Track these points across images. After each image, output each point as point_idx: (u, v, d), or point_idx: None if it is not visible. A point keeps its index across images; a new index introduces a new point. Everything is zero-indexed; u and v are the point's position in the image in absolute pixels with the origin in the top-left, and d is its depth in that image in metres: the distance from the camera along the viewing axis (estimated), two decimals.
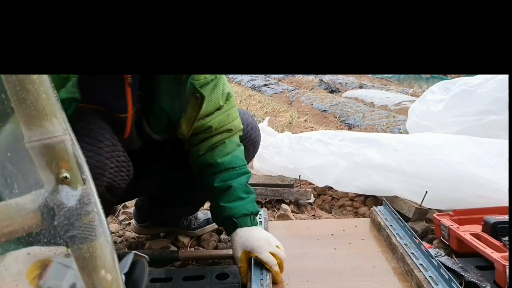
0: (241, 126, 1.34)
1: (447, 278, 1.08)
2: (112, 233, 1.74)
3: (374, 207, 1.65)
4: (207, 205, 2.05)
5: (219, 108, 1.24)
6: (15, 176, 0.41)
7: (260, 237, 1.20)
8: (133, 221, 1.70)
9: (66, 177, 0.41)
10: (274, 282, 1.17)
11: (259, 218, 1.59)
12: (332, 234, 1.54)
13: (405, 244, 1.32)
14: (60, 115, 0.40)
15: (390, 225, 1.48)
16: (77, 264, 0.43)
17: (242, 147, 1.34)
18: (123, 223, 1.86)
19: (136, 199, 1.70)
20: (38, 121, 0.38)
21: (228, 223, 1.24)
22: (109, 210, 1.11)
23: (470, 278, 1.24)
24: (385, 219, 1.53)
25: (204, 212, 1.75)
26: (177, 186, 1.48)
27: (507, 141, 1.68)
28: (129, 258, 0.85)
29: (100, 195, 0.98)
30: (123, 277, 0.77)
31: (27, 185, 0.41)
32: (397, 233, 1.41)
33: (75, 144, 0.41)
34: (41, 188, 0.41)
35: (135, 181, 1.43)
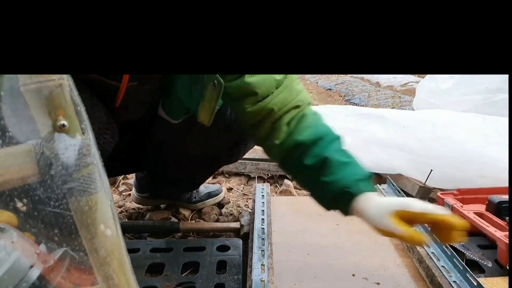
0: (310, 99, 1.11)
1: (449, 254, 1.08)
2: None
3: (378, 185, 1.64)
4: (209, 179, 2.05)
5: (278, 86, 1.03)
6: (10, 122, 0.39)
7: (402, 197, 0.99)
8: (133, 191, 1.69)
9: (63, 125, 0.38)
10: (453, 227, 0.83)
11: (262, 192, 1.58)
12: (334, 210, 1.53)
13: None
14: None
15: None
16: (75, 218, 0.41)
17: (319, 115, 1.11)
18: (123, 194, 1.86)
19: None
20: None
21: (341, 200, 0.98)
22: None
23: (471, 256, 1.24)
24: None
25: (205, 186, 1.73)
26: (174, 165, 1.46)
27: None
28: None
29: None
30: None
31: (23, 133, 0.39)
32: None
33: (73, 90, 0.39)
34: (37, 137, 0.39)
35: (135, 155, 1.42)
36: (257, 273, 1.05)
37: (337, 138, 1.05)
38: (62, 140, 0.38)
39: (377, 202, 0.92)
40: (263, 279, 1.03)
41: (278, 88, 1.02)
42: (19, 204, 0.41)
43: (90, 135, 0.40)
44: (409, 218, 0.86)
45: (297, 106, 1.05)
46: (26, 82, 0.36)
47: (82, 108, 0.40)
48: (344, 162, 0.98)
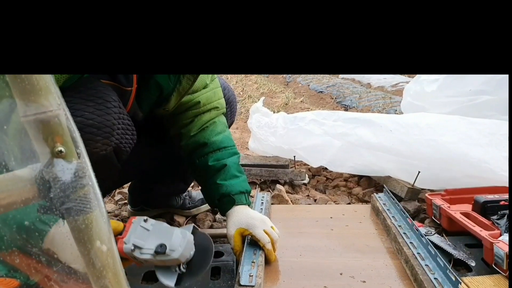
0: (225, 106, 1.39)
1: (433, 253, 1.12)
2: (108, 212, 1.76)
3: (375, 193, 1.68)
4: None
5: (205, 87, 1.32)
6: (12, 149, 0.42)
7: (255, 216, 1.22)
8: (128, 206, 1.72)
9: (61, 151, 0.42)
10: (268, 261, 1.19)
11: (261, 200, 1.61)
12: (331, 217, 1.57)
13: (399, 226, 1.36)
14: (54, 90, 0.41)
15: (388, 209, 1.51)
16: (73, 235, 0.44)
17: (229, 130, 1.40)
18: (119, 203, 1.88)
19: (129, 183, 1.71)
20: (33, 95, 0.39)
21: (225, 200, 1.27)
22: (115, 175, 1.11)
23: (457, 256, 1.28)
24: (384, 204, 1.56)
25: (198, 192, 1.76)
26: (163, 161, 1.50)
27: (498, 121, 1.69)
28: (190, 228, 1.00)
29: (108, 159, 1.01)
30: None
31: (24, 158, 0.42)
32: (393, 216, 1.44)
33: (69, 118, 0.42)
34: (37, 162, 0.42)
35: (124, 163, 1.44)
36: (246, 268, 1.09)
37: (237, 153, 1.36)
38: (60, 165, 0.41)
39: (239, 216, 1.22)
40: (251, 274, 1.06)
41: (205, 88, 1.32)
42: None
43: (85, 158, 0.43)
44: (250, 234, 1.19)
45: (217, 108, 1.34)
46: (26, 113, 0.39)
47: (77, 135, 0.43)
48: (236, 175, 1.30)
